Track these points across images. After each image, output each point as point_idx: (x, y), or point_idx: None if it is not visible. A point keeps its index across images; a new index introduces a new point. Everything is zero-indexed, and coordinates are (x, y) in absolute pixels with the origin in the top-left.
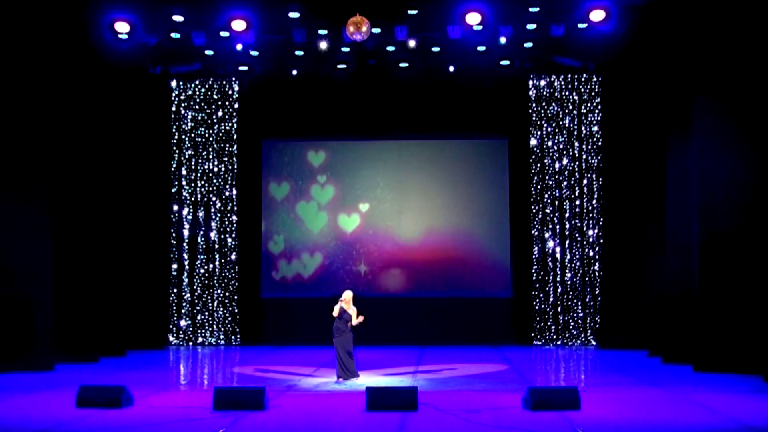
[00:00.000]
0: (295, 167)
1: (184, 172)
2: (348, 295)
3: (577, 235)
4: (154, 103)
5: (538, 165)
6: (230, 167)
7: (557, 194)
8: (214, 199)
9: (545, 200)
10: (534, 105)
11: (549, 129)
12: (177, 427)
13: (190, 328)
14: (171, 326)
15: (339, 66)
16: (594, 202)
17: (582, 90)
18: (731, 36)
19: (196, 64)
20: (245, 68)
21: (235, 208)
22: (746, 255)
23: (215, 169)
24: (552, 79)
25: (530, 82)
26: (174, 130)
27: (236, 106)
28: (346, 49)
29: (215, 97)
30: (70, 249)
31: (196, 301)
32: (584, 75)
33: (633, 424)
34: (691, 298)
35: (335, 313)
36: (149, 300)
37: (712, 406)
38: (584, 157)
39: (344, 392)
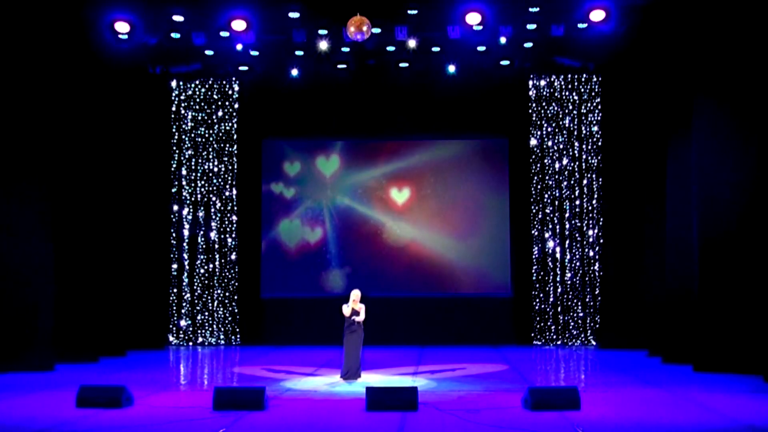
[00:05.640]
0: (294, 167)
1: (184, 172)
2: (357, 294)
3: (577, 235)
4: (154, 103)
5: (538, 165)
6: (230, 167)
7: (557, 194)
8: (214, 199)
9: (545, 200)
10: (534, 105)
11: (549, 129)
12: (177, 427)
13: (190, 328)
14: (171, 326)
15: (339, 66)
16: (594, 202)
17: (582, 90)
18: (731, 36)
19: (196, 64)
20: (245, 68)
21: (235, 208)
22: (746, 255)
23: (215, 169)
24: (552, 79)
25: (530, 82)
26: (174, 130)
27: (236, 106)
28: (346, 49)
29: (215, 97)
30: (70, 249)
31: (196, 301)
32: (584, 75)
33: (633, 424)
34: (691, 298)
35: (347, 312)
36: (149, 300)
37: (712, 406)
38: (584, 157)
39: (344, 392)
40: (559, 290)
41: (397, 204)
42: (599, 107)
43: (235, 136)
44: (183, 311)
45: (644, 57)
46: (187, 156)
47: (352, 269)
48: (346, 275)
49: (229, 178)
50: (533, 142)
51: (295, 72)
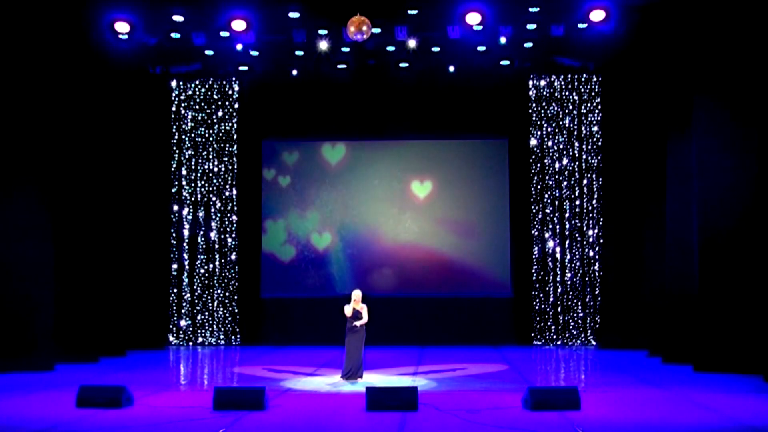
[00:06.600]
0: (294, 167)
1: (184, 172)
2: (358, 294)
3: (577, 235)
4: (154, 103)
5: (538, 165)
6: (230, 167)
7: (557, 194)
8: (214, 199)
9: (545, 200)
10: (534, 105)
11: (549, 129)
12: (177, 427)
13: (190, 328)
14: (171, 326)
15: (339, 66)
16: (594, 202)
17: (582, 90)
18: (731, 36)
19: (196, 64)
20: (245, 68)
21: (235, 208)
22: (746, 255)
23: (215, 169)
24: (552, 79)
25: (530, 82)
26: (174, 130)
27: (236, 106)
28: (346, 49)
29: (215, 97)
30: (70, 249)
31: (196, 301)
32: (584, 75)
33: (633, 424)
34: (691, 298)
35: (348, 313)
36: (149, 300)
37: (712, 406)
38: (584, 157)
39: (344, 392)
40: (559, 290)
41: (397, 203)
42: (599, 107)
43: (235, 136)
44: (183, 311)
45: (644, 57)
46: (187, 156)
47: (352, 268)
48: (346, 275)
49: (229, 178)
50: (533, 142)
51: (295, 72)
